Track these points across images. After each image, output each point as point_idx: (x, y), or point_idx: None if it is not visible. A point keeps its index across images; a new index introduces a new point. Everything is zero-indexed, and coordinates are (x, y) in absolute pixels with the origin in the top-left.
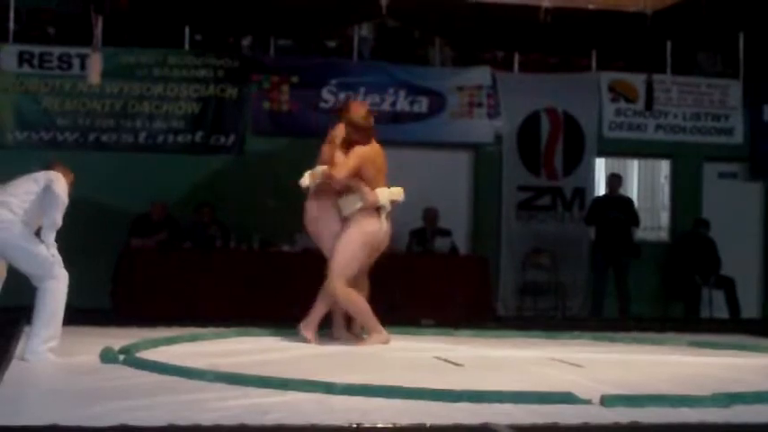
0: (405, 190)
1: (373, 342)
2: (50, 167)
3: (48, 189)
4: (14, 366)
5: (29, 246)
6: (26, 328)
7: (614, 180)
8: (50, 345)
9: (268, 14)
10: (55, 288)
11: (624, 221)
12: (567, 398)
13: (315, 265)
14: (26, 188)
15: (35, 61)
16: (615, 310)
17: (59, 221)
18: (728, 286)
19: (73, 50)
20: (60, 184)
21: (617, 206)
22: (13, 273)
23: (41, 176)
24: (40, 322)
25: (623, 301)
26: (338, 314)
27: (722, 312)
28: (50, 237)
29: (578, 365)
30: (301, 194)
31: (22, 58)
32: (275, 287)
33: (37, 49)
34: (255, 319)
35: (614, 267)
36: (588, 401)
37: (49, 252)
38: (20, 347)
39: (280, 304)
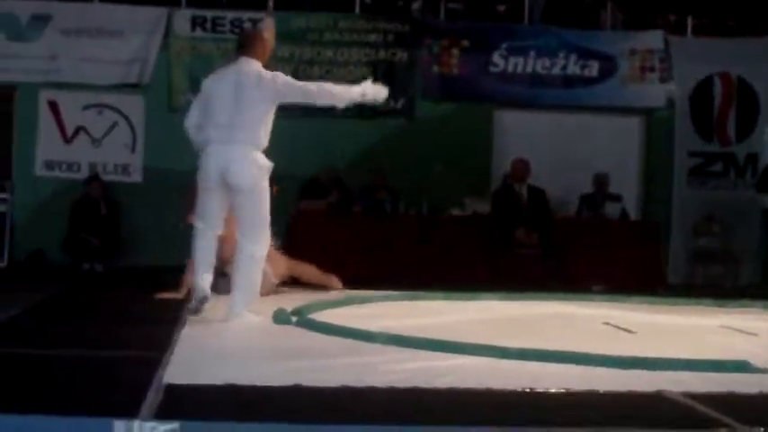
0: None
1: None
2: (253, 42)
3: (280, 92)
4: (189, 327)
5: (264, 194)
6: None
7: None
8: (250, 308)
9: None
10: (259, 256)
11: None
12: (742, 366)
13: (484, 228)
14: (256, 110)
15: (208, 25)
16: None
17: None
18: None
19: (245, 15)
20: (282, 77)
21: None
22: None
23: (262, 81)
24: (242, 287)
25: None
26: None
27: None
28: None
29: (753, 334)
30: (472, 158)
31: (195, 22)
32: (444, 251)
33: (209, 14)
34: (424, 282)
35: None
36: (765, 370)
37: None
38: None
39: (449, 268)
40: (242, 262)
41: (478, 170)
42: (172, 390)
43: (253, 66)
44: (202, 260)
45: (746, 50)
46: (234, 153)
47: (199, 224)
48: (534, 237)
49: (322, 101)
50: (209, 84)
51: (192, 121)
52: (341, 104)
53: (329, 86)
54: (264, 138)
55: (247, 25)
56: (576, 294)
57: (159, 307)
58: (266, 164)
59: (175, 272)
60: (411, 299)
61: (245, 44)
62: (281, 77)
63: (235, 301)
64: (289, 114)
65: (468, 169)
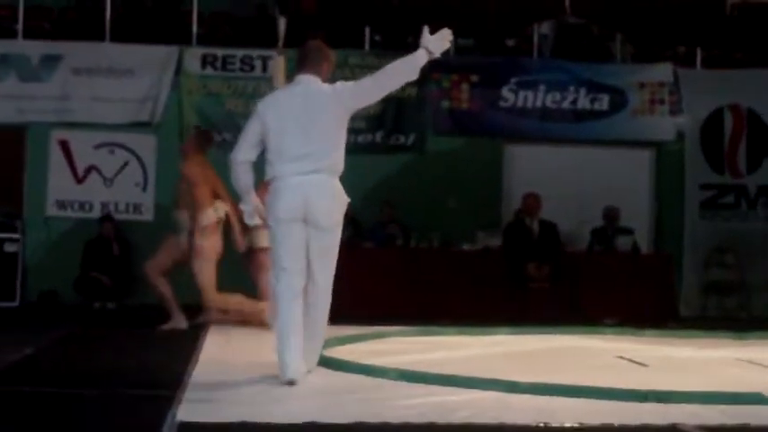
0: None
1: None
2: (320, 56)
3: (357, 99)
4: (201, 366)
5: (340, 229)
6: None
7: None
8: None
9: (448, 14)
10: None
11: None
12: (757, 398)
13: (496, 263)
14: (333, 133)
15: (218, 63)
16: None
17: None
18: None
19: (255, 52)
20: (347, 84)
21: None
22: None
23: (336, 96)
24: (323, 333)
25: None
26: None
27: None
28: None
29: (766, 366)
30: (483, 193)
31: (206, 61)
32: (456, 286)
33: (220, 52)
34: (437, 317)
35: None
36: None
37: None
38: (291, 362)
39: (461, 303)
40: (321, 298)
41: (489, 204)
42: (185, 428)
43: (320, 84)
44: (292, 328)
45: (756, 82)
46: (317, 186)
47: (283, 271)
48: (545, 271)
49: (393, 85)
50: (266, 111)
51: (243, 155)
52: (414, 76)
53: (389, 69)
54: (342, 162)
55: (257, 63)
56: (588, 328)
57: (172, 344)
58: (346, 199)
59: (186, 308)
60: (424, 334)
61: (309, 60)
62: (347, 84)
63: (317, 349)
64: None
65: (479, 203)
